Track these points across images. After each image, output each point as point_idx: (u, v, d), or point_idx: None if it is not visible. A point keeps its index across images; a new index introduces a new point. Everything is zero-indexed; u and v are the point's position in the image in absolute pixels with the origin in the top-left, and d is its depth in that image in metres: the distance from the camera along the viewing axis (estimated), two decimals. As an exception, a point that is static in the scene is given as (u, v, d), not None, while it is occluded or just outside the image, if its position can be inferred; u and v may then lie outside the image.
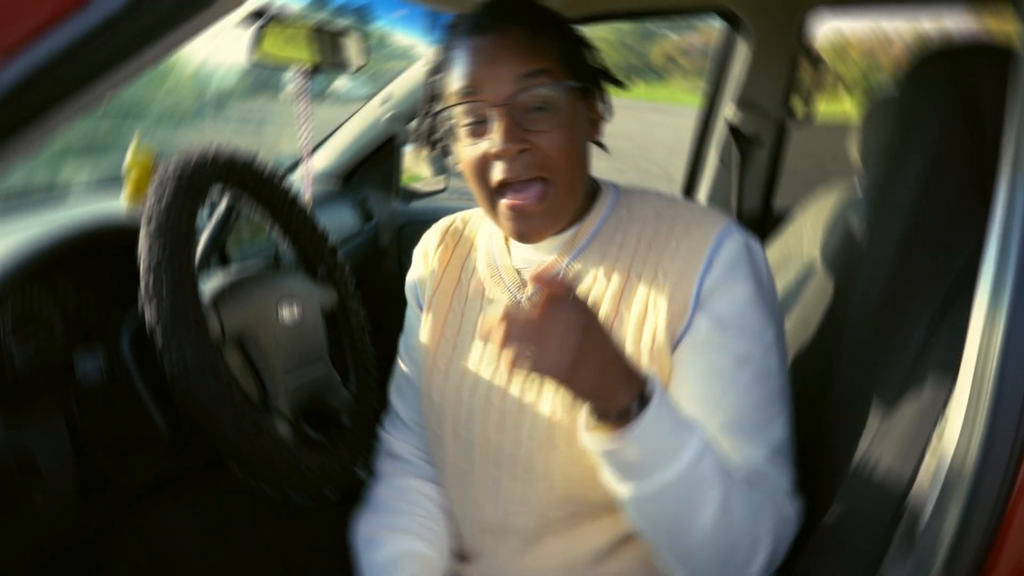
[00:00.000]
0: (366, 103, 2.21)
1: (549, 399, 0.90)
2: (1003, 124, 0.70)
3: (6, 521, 0.88)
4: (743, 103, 1.99)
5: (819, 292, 1.16)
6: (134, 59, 0.62)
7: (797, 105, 2.00)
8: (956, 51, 0.89)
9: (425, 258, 1.08)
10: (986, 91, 0.81)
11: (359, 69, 1.67)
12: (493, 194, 0.89)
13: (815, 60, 1.96)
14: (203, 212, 0.97)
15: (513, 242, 1.00)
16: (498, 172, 0.87)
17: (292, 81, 1.65)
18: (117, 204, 1.41)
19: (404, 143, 2.26)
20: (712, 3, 1.92)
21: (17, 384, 0.94)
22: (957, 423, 0.62)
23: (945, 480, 0.62)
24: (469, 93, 0.87)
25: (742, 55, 1.98)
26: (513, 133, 0.85)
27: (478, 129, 0.88)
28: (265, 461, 0.90)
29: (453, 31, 0.92)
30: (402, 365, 1.11)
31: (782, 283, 1.27)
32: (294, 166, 2.12)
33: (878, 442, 0.79)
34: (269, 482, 0.94)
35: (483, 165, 0.88)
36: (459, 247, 1.06)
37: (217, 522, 1.10)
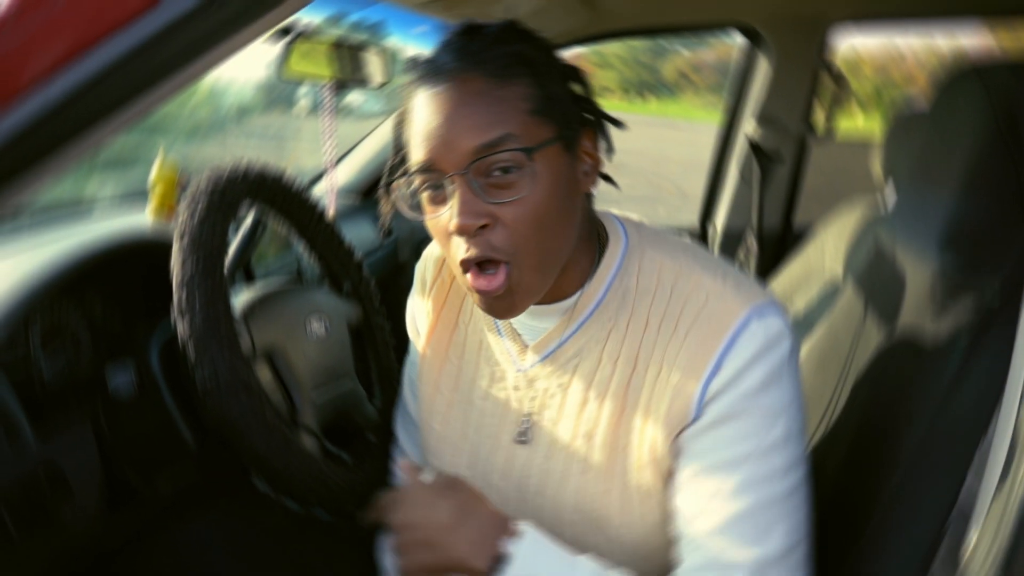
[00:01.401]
0: (382, 118, 2.22)
1: (553, 493, 0.85)
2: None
3: (34, 533, 0.88)
4: (763, 119, 1.99)
5: (847, 309, 1.15)
6: (202, 58, 0.63)
7: (818, 121, 2.00)
8: (990, 68, 0.88)
9: (423, 288, 0.99)
10: (1022, 108, 0.81)
11: (383, 85, 1.68)
12: (461, 268, 0.78)
13: (836, 76, 1.96)
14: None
15: None
16: (458, 250, 0.76)
17: (306, 96, 1.66)
18: (142, 218, 1.41)
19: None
20: (733, 19, 1.92)
21: (46, 398, 0.95)
22: (1004, 444, 0.61)
23: (991, 503, 0.61)
24: (425, 164, 0.75)
25: (763, 71, 1.98)
26: (470, 207, 0.73)
27: (438, 196, 0.77)
28: (294, 477, 0.90)
29: (412, 74, 0.79)
30: (406, 394, 1.04)
31: (804, 300, 1.26)
32: (315, 181, 2.13)
33: (916, 465, 0.78)
34: (297, 497, 0.94)
35: (445, 237, 0.77)
36: (456, 286, 0.96)
37: (242, 537, 1.10)
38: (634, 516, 0.82)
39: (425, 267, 0.99)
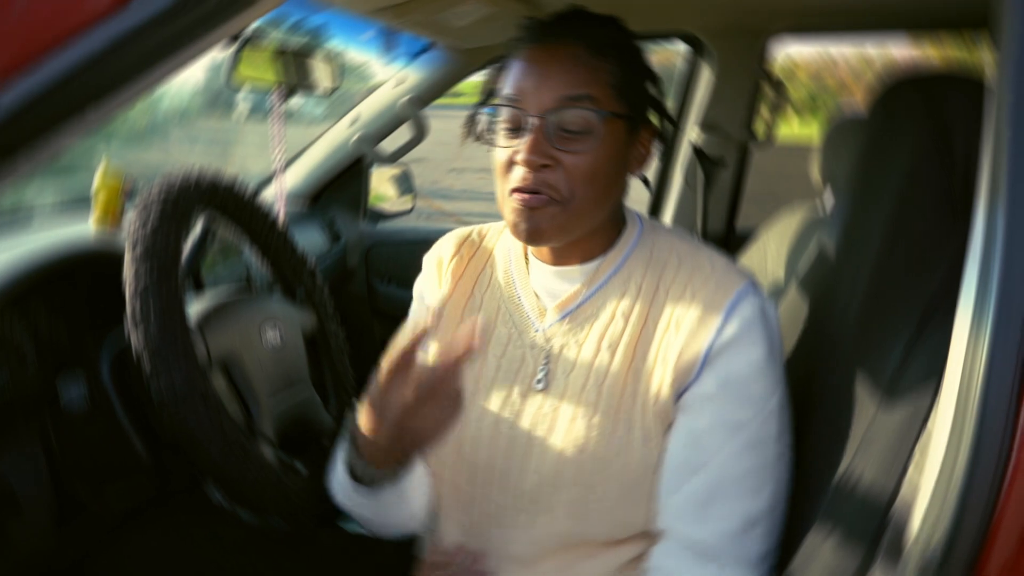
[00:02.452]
0: (327, 123, 2.21)
1: (561, 435, 0.90)
2: (972, 150, 0.74)
3: (-18, 553, 0.85)
4: (707, 125, 2.04)
5: (791, 310, 1.19)
6: (171, 59, 0.62)
7: (759, 127, 2.06)
8: (926, 79, 0.93)
9: (438, 267, 1.05)
10: (957, 119, 0.85)
11: (333, 91, 1.67)
12: (508, 193, 0.89)
13: (775, 84, 2.02)
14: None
15: (533, 264, 0.98)
16: (515, 178, 0.87)
17: (245, 100, 1.64)
18: (85, 227, 1.38)
19: (372, 164, 2.27)
20: (677, 29, 1.96)
21: None
22: (943, 437, 0.65)
23: (933, 491, 0.65)
24: (512, 99, 0.87)
25: (705, 79, 2.03)
26: (540, 147, 0.85)
27: (513, 131, 0.88)
28: (252, 486, 0.90)
29: (522, 32, 0.91)
30: None
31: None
32: (261, 186, 2.11)
33: (860, 458, 0.81)
34: (254, 507, 0.93)
35: (507, 166, 0.88)
36: (474, 259, 1.04)
37: (195, 549, 1.08)
38: (634, 457, 0.89)
39: (441, 249, 1.07)
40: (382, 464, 0.85)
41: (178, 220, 0.91)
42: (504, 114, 0.88)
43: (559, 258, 0.95)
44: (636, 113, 0.90)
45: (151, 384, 0.83)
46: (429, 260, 1.07)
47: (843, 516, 0.81)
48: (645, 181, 0.98)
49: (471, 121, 0.95)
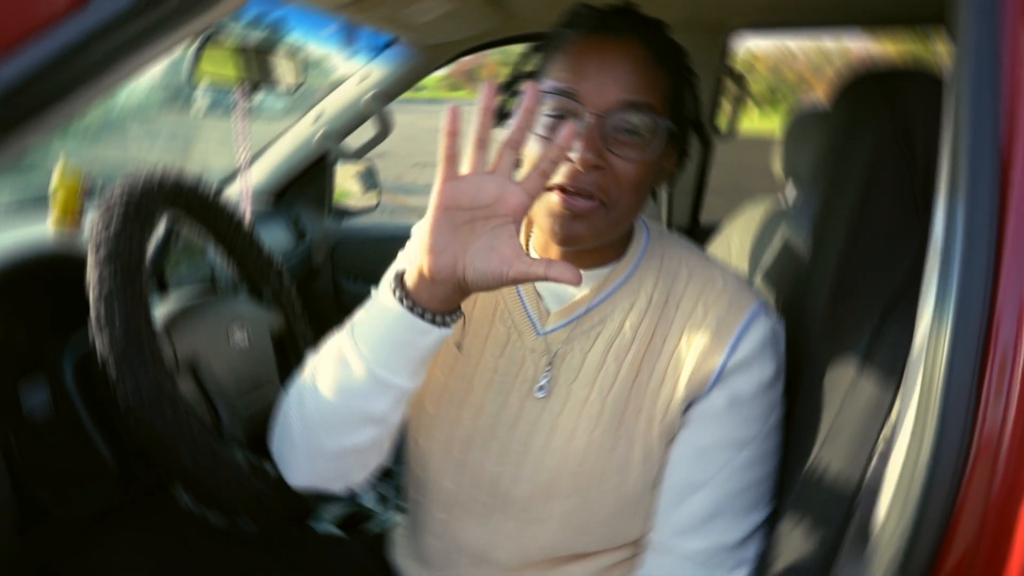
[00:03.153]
0: (289, 119, 2.19)
1: (560, 446, 0.88)
2: (933, 145, 0.76)
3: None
4: (671, 120, 2.05)
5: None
6: (131, 61, 0.61)
7: (721, 121, 2.08)
8: (888, 75, 0.94)
9: None
10: (917, 114, 0.87)
11: (298, 87, 1.65)
12: (553, 191, 0.82)
13: (737, 78, 2.04)
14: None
15: None
16: (561, 176, 0.81)
17: (204, 95, 1.62)
18: (43, 228, 1.35)
19: (336, 160, 2.25)
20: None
21: None
22: (907, 428, 0.67)
23: (899, 479, 0.66)
24: (568, 90, 0.81)
25: (668, 74, 2.04)
26: (596, 146, 0.80)
27: (556, 123, 0.82)
28: (222, 489, 0.89)
29: (575, 18, 0.86)
30: None
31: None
32: (224, 183, 2.08)
33: (826, 449, 0.83)
34: (224, 510, 0.92)
35: (549, 159, 0.77)
36: None
37: (163, 553, 1.07)
38: (632, 474, 0.88)
39: None
40: (430, 302, 0.76)
41: (142, 222, 0.89)
42: (555, 103, 0.82)
43: (569, 261, 0.89)
44: (680, 129, 0.88)
45: (117, 389, 0.81)
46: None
47: (811, 506, 0.82)
48: (653, 194, 0.93)
49: (503, 101, 0.87)
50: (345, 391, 0.82)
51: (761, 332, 0.87)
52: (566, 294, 0.92)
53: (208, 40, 1.43)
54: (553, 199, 0.82)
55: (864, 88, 0.97)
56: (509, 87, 0.88)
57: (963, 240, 0.63)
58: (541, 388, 0.90)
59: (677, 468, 0.88)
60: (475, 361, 0.94)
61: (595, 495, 0.88)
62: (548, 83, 0.82)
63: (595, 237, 0.84)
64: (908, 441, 0.66)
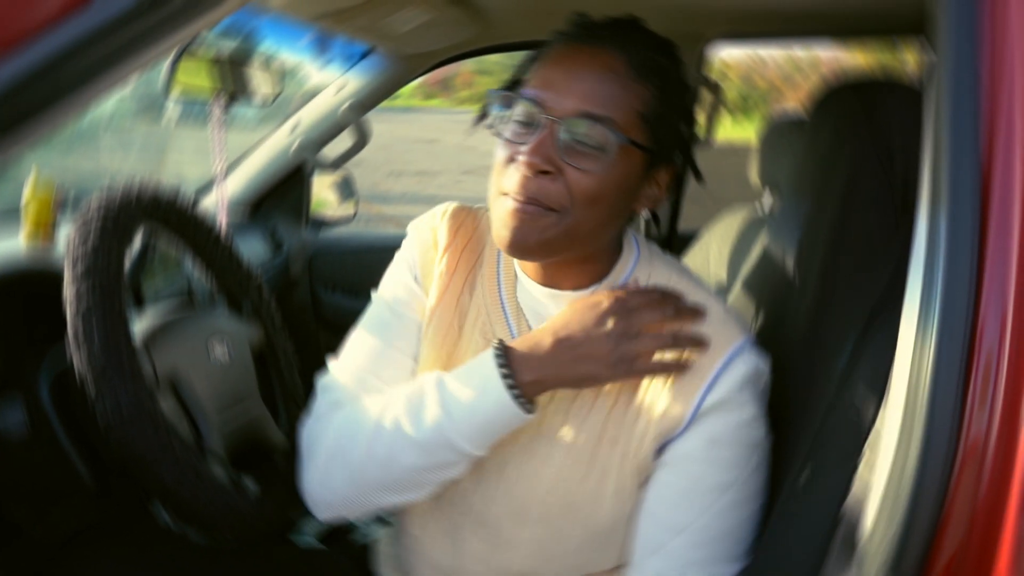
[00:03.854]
0: (260, 128, 2.17)
1: (533, 471, 0.87)
2: (912, 155, 0.77)
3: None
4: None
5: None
6: (134, 60, 0.60)
7: (699, 129, 2.09)
8: (864, 85, 0.95)
9: (434, 244, 0.96)
10: (894, 124, 0.88)
11: (276, 97, 1.64)
12: (499, 195, 0.82)
13: (713, 87, 2.06)
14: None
15: (522, 279, 0.92)
16: (511, 180, 0.80)
17: (176, 104, 1.59)
18: (15, 243, 1.33)
19: (313, 171, 2.23)
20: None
21: None
22: (893, 435, 0.67)
23: (885, 487, 0.67)
24: (533, 96, 0.80)
25: (645, 83, 2.05)
26: (546, 151, 0.78)
27: (523, 129, 0.81)
28: (203, 506, 0.87)
29: (565, 27, 0.85)
30: (364, 345, 0.96)
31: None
32: (199, 193, 2.06)
33: (813, 457, 0.83)
34: (206, 527, 0.91)
35: (505, 164, 0.81)
36: (468, 249, 0.96)
37: (142, 571, 1.05)
38: (604, 507, 0.86)
39: (435, 228, 0.98)
40: (531, 391, 0.81)
41: (119, 236, 0.88)
42: (520, 108, 0.81)
43: (549, 280, 0.89)
44: (660, 149, 0.83)
45: (97, 406, 0.80)
46: (421, 230, 0.98)
47: (798, 515, 0.83)
48: (656, 219, 0.92)
49: (484, 108, 0.87)
50: (421, 461, 0.83)
51: (741, 371, 0.83)
52: (547, 314, 0.90)
53: (184, 51, 1.42)
54: (501, 202, 0.82)
55: (842, 98, 0.98)
56: (509, 89, 0.86)
57: (946, 250, 0.64)
58: None
59: (653, 512, 0.85)
60: (451, 366, 0.91)
61: (565, 523, 0.86)
62: (523, 90, 0.82)
63: (545, 247, 0.81)
64: (894, 449, 0.66)
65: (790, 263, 1.05)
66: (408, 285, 0.97)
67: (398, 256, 0.99)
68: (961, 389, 0.63)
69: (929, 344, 0.64)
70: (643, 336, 0.82)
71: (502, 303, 0.93)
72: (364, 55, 2.01)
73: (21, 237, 1.33)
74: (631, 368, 0.82)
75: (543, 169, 0.78)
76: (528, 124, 0.81)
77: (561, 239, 0.81)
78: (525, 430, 0.87)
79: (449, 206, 0.99)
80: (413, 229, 0.99)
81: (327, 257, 2.25)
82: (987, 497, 0.63)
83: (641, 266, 0.91)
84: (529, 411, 0.81)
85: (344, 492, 0.87)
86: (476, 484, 0.89)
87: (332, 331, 2.22)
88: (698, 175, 0.92)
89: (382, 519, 1.50)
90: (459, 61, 2.02)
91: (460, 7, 1.56)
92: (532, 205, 0.79)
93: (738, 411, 0.83)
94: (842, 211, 0.91)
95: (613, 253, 0.90)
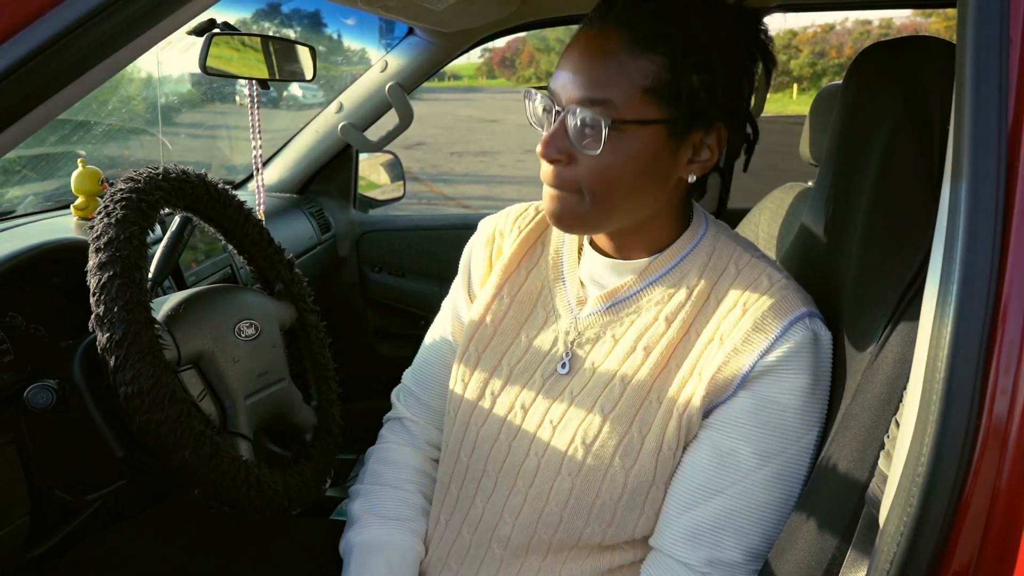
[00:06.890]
0: (315, 109, 2.20)
1: (572, 425, 0.89)
2: (948, 117, 0.72)
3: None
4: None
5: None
6: (110, 57, 0.61)
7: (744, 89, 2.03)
8: (900, 44, 0.90)
9: (492, 239, 1.04)
10: (931, 84, 0.82)
11: (310, 81, 1.65)
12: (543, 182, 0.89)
13: (764, 55, 1.99)
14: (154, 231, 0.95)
15: (587, 252, 0.96)
16: (542, 168, 0.88)
17: (241, 88, 1.62)
18: (66, 223, 1.37)
19: (359, 152, 2.25)
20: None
21: None
22: (912, 414, 0.63)
23: (900, 480, 0.63)
24: (549, 87, 0.86)
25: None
26: (556, 140, 0.83)
27: (548, 116, 0.86)
28: (226, 483, 0.89)
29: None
30: (434, 337, 1.10)
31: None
32: (247, 179, 2.10)
33: (835, 444, 0.80)
34: (230, 503, 0.92)
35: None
36: (527, 234, 1.02)
37: (176, 544, 1.08)
38: (639, 463, 0.86)
39: (497, 223, 1.06)
40: None
41: (141, 219, 0.90)
42: (540, 98, 0.87)
43: (616, 251, 0.93)
44: (682, 115, 0.82)
45: (118, 384, 0.82)
46: (484, 231, 1.06)
47: (820, 503, 0.80)
48: (723, 174, 0.92)
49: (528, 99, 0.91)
50: None
51: (800, 337, 0.83)
52: (608, 282, 0.94)
53: (220, 32, 1.44)
54: (544, 191, 0.89)
55: (876, 59, 0.92)
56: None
57: (966, 220, 0.59)
58: (564, 366, 0.93)
59: (692, 471, 0.86)
60: (509, 340, 0.97)
61: (598, 477, 0.87)
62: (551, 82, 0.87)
63: (583, 224, 0.88)
64: (910, 439, 0.63)
65: (830, 238, 1.00)
66: (458, 293, 1.07)
67: (461, 263, 1.09)
68: (982, 367, 0.59)
69: (947, 329, 0.60)
70: None
71: (563, 275, 0.98)
72: (406, 35, 2.01)
73: (70, 220, 1.38)
74: None
75: (555, 158, 0.84)
76: (548, 114, 0.86)
77: (594, 216, 0.86)
78: (570, 385, 0.91)
79: (514, 206, 1.07)
80: (482, 227, 1.07)
81: (375, 237, 2.28)
82: (1010, 480, 0.60)
83: (708, 238, 0.92)
84: None
85: None
86: (518, 435, 0.93)
87: (378, 309, 2.25)
88: (754, 128, 0.91)
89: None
90: (499, 38, 2.00)
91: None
92: (558, 190, 0.86)
93: (792, 377, 0.83)
94: (879, 181, 0.86)
95: (677, 224, 0.92)
